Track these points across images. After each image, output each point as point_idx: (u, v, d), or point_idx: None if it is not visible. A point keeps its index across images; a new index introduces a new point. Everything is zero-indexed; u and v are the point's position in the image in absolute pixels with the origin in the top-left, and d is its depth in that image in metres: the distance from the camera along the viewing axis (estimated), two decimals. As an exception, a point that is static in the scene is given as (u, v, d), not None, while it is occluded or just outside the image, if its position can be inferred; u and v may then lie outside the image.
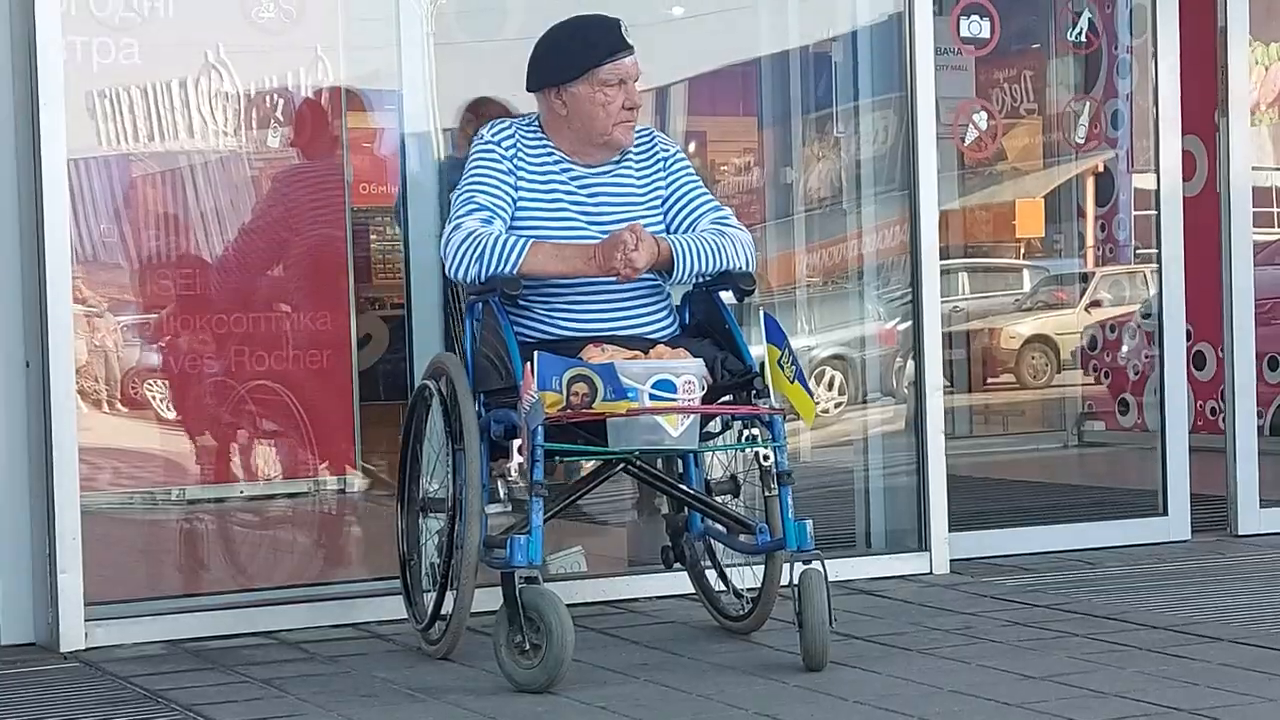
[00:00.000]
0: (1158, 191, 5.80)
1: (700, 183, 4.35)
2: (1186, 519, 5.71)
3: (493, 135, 4.23)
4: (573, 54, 4.17)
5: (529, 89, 4.28)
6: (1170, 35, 5.77)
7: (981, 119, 5.75)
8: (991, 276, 9.81)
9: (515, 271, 4.02)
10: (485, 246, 4.04)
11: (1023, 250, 9.61)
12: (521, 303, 4.11)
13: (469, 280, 4.09)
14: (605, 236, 4.12)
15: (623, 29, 4.18)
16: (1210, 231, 8.29)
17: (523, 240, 4.06)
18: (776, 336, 4.01)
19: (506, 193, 4.16)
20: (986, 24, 5.62)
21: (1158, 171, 5.80)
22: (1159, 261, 5.83)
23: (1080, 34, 6.28)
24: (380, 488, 4.89)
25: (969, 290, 9.63)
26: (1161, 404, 5.79)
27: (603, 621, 4.49)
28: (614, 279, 4.06)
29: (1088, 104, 6.94)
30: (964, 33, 5.55)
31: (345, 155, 4.93)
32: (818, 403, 5.72)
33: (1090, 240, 8.87)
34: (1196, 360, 8.46)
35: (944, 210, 5.58)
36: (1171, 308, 5.81)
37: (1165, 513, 5.70)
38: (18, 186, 4.35)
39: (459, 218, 4.12)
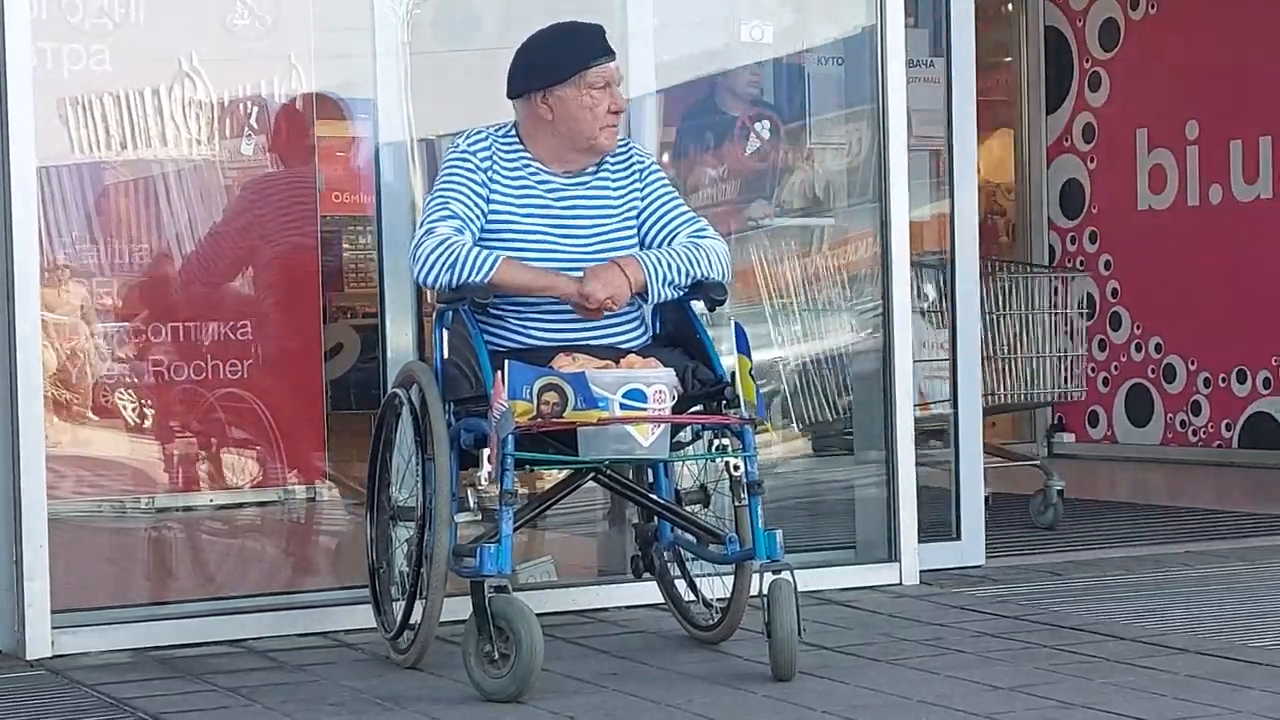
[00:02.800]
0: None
1: (676, 195, 4.35)
2: (980, 544, 5.39)
3: (468, 145, 4.23)
4: (560, 57, 4.19)
5: (510, 95, 4.28)
6: (966, 58, 5.46)
7: (764, 127, 5.59)
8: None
9: (486, 281, 4.02)
10: (459, 255, 4.04)
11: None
12: (493, 311, 4.11)
13: (438, 287, 4.08)
14: (579, 251, 4.13)
15: (605, 35, 4.21)
16: (1181, 244, 8.35)
17: (495, 255, 4.06)
18: (747, 346, 4.02)
19: (478, 204, 4.16)
20: (769, 29, 5.46)
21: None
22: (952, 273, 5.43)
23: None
24: (350, 496, 4.88)
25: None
26: (955, 429, 5.38)
27: (572, 631, 4.49)
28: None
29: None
30: (744, 38, 5.41)
31: (318, 164, 4.92)
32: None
33: (1060, 252, 8.91)
34: (1167, 373, 8.50)
35: (915, 221, 5.57)
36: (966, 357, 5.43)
37: (959, 538, 5.39)
38: (-14, 193, 4.34)
39: (431, 222, 4.11)
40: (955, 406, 5.41)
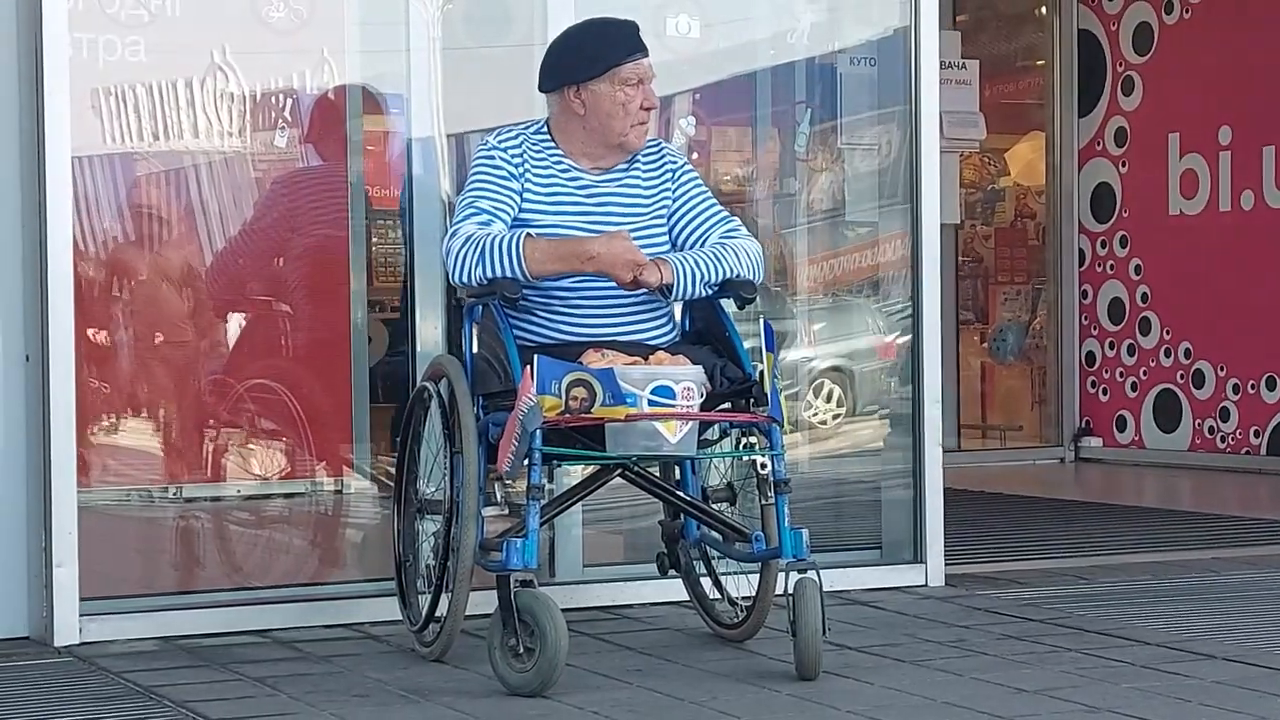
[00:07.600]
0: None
1: (709, 195, 4.34)
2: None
3: (498, 142, 4.24)
4: (595, 52, 4.19)
5: (543, 89, 4.29)
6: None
7: (689, 124, 5.48)
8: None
9: (524, 271, 4.01)
10: (485, 247, 4.04)
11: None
12: (522, 306, 4.12)
13: (473, 282, 4.09)
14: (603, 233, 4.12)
15: (639, 32, 4.21)
16: (1212, 250, 8.32)
17: (518, 234, 4.06)
18: (774, 344, 4.02)
19: (510, 197, 4.17)
20: (696, 24, 5.36)
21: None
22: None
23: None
24: (377, 489, 4.89)
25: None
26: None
27: (597, 627, 4.49)
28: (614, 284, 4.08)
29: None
30: (670, 31, 5.34)
31: (349, 157, 4.93)
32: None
33: (1090, 256, 8.89)
34: (1195, 379, 8.47)
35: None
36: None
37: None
38: (21, 181, 4.36)
39: (457, 224, 4.13)
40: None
